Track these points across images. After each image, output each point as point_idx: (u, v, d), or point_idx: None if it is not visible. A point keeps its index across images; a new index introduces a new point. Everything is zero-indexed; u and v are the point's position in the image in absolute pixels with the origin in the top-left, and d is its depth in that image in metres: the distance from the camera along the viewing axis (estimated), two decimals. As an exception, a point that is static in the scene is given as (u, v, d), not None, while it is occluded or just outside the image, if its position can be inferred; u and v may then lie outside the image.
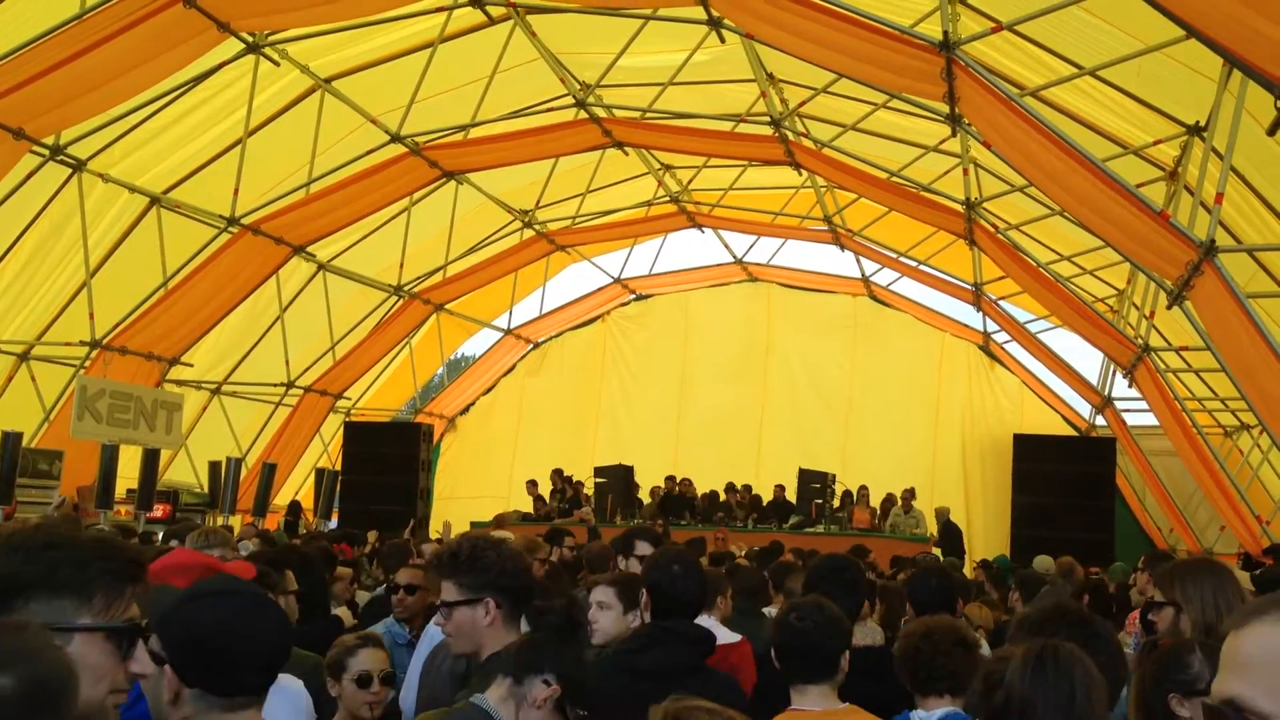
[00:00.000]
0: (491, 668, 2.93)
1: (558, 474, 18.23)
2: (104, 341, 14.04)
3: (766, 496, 18.03)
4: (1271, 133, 6.28)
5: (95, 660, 1.76)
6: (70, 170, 12.52)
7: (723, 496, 17.97)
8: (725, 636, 4.39)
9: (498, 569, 3.13)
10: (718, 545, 12.15)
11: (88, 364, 14.04)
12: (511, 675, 2.84)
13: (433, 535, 15.97)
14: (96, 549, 1.85)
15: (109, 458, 13.28)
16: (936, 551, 15.65)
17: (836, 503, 17.16)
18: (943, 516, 17.10)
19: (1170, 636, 3.21)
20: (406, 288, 18.15)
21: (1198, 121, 9.39)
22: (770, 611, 5.88)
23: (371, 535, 12.04)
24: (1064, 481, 16.58)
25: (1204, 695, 2.63)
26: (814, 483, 16.89)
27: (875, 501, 17.55)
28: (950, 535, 16.95)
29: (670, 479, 18.05)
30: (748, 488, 18.28)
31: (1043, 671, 2.33)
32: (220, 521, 14.90)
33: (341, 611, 5.74)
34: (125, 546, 1.91)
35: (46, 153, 12.01)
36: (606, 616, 4.02)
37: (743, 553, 9.90)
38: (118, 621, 1.81)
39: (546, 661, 2.85)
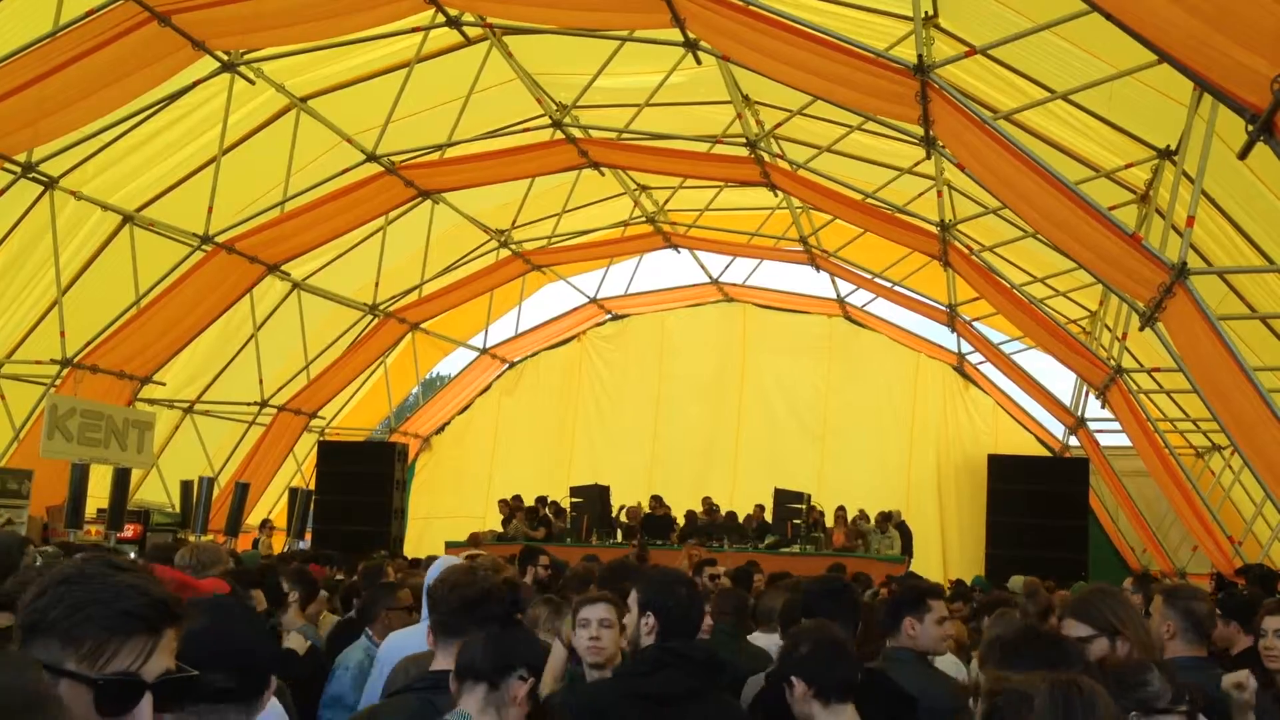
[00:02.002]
0: (458, 674, 2.89)
1: (539, 501, 18.13)
2: (75, 360, 13.91)
3: (741, 516, 17.98)
4: (1242, 156, 6.34)
5: (76, 711, 1.56)
6: (42, 188, 12.43)
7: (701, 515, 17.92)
8: None
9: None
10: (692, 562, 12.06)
11: (58, 382, 13.91)
12: (486, 680, 2.80)
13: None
14: (99, 593, 1.65)
15: (79, 477, 13.15)
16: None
17: (826, 527, 17.16)
18: (896, 519, 17.26)
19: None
20: (382, 307, 18.09)
21: (1169, 145, 9.48)
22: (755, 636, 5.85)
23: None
24: (1038, 502, 16.63)
25: (1164, 713, 2.65)
26: (790, 503, 16.89)
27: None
28: (903, 536, 17.15)
29: (655, 499, 17.98)
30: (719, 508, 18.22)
31: (1073, 713, 2.23)
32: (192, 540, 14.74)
33: (294, 640, 5.44)
34: (139, 594, 1.66)
35: (18, 170, 11.92)
36: (609, 635, 3.95)
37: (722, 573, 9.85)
38: (98, 672, 1.60)
39: (516, 656, 2.83)
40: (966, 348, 19.75)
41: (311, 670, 5.14)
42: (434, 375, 26.03)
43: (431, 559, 9.10)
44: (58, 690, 1.57)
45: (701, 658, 3.67)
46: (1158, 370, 13.04)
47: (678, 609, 3.71)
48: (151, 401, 15.84)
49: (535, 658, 2.91)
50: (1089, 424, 17.12)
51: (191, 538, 15.17)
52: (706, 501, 18.13)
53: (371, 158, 13.98)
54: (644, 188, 17.92)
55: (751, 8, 8.90)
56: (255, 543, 16.53)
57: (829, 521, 17.29)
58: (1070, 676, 2.28)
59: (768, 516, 17.40)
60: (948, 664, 4.95)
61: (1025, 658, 2.77)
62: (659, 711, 3.39)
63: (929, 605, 4.21)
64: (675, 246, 19.89)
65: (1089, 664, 2.86)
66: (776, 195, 15.88)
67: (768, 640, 5.53)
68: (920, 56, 8.37)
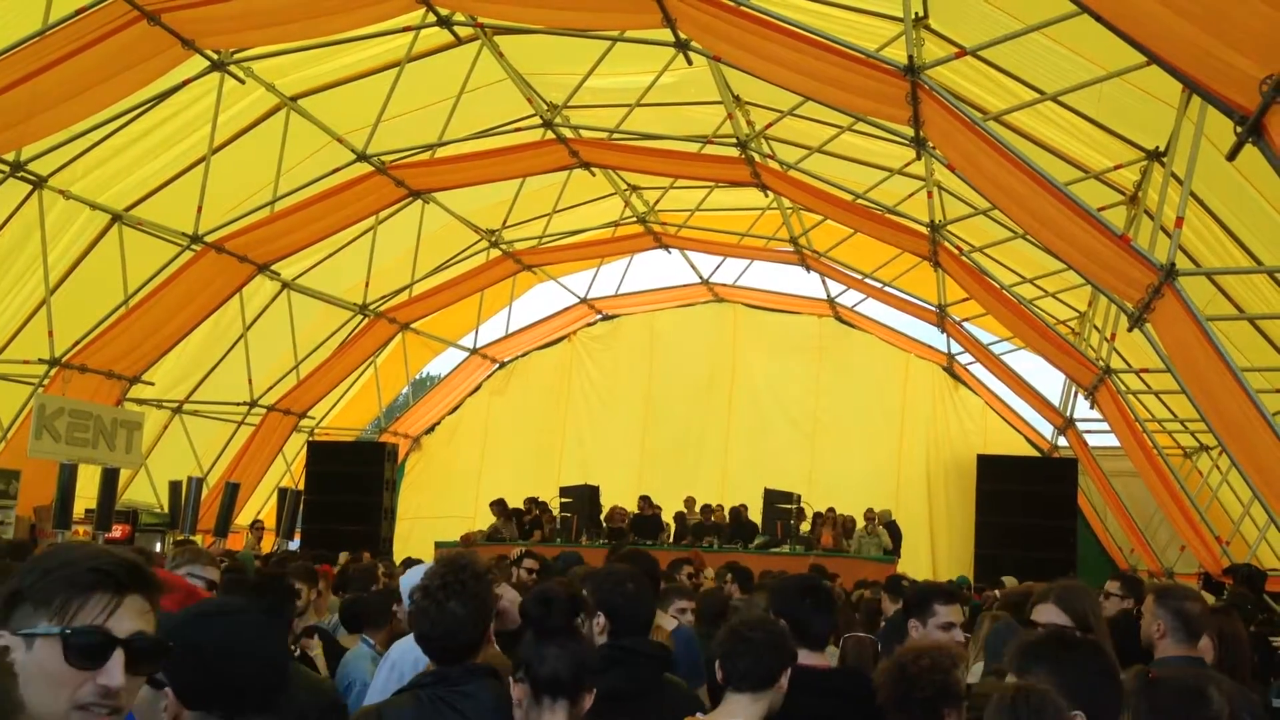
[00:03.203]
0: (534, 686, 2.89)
1: (530, 501, 18.13)
2: (63, 359, 13.86)
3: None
4: (1231, 158, 6.36)
5: (51, 668, 1.68)
6: (31, 186, 12.38)
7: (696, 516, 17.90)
8: None
9: None
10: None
11: (46, 382, 13.86)
12: (569, 697, 2.81)
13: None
14: (68, 556, 1.77)
15: (67, 477, 13.10)
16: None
17: (808, 525, 17.17)
18: (885, 519, 17.29)
19: None
20: (372, 307, 18.07)
21: (1157, 147, 9.53)
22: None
23: (343, 556, 11.85)
24: (1027, 502, 16.66)
25: None
26: (780, 503, 16.90)
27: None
28: (892, 536, 17.20)
29: (644, 500, 17.97)
30: (720, 506, 18.20)
31: (1015, 715, 2.29)
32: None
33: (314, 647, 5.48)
34: (105, 555, 1.79)
35: (7, 169, 11.88)
36: None
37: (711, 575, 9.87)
38: (69, 628, 1.70)
39: (590, 669, 2.88)
40: (956, 348, 19.78)
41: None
42: (424, 375, 25.98)
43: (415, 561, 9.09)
44: (25, 656, 1.67)
45: (650, 652, 3.70)
46: (1146, 371, 13.07)
47: (627, 607, 3.74)
48: (140, 401, 15.80)
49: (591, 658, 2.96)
50: (1078, 424, 17.16)
51: (180, 538, 15.15)
52: (689, 501, 18.14)
53: (362, 157, 13.96)
54: (635, 188, 17.93)
55: (742, 8, 8.91)
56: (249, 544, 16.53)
57: (807, 524, 17.28)
58: (1025, 685, 2.30)
59: (754, 516, 17.39)
60: None
61: (1050, 659, 2.76)
62: (614, 708, 3.42)
63: (934, 609, 4.20)
64: (666, 247, 19.90)
65: (1114, 662, 2.85)
66: (767, 196, 15.89)
67: None
68: (910, 57, 8.39)
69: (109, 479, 13.92)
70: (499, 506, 17.78)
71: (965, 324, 17.40)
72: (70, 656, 1.69)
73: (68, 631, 1.70)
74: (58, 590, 1.73)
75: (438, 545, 15.63)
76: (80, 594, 1.73)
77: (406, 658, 4.08)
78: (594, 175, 16.24)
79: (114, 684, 1.70)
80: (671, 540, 17.14)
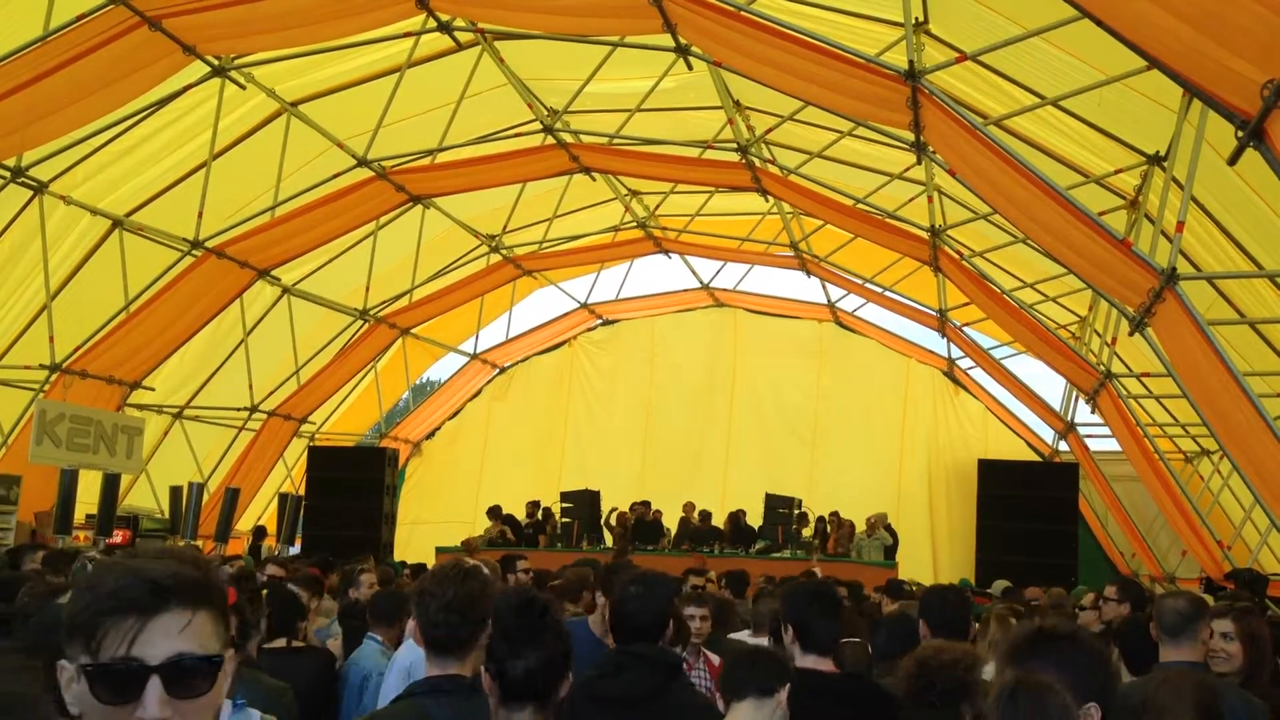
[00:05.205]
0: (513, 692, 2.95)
1: (533, 505, 18.13)
2: (64, 365, 13.86)
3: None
4: (1232, 162, 6.36)
5: (91, 703, 1.55)
6: (32, 192, 12.38)
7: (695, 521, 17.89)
8: None
9: None
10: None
11: (47, 387, 13.86)
12: (535, 701, 2.85)
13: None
14: (98, 578, 1.62)
15: (68, 482, 13.10)
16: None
17: (810, 530, 17.15)
18: (882, 522, 17.25)
19: None
20: (372, 312, 18.07)
21: (1158, 151, 9.53)
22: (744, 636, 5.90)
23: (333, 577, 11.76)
24: (1028, 506, 16.64)
25: None
26: (780, 507, 16.89)
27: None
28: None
29: (645, 504, 17.95)
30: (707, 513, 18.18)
31: (1014, 706, 2.32)
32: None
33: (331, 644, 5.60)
34: (131, 575, 1.62)
35: (8, 175, 11.87)
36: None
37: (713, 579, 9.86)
38: (91, 664, 1.56)
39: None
40: (957, 353, 19.77)
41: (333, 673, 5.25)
42: (424, 380, 26.02)
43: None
44: (79, 687, 1.57)
45: (656, 659, 3.68)
46: (1147, 375, 13.06)
47: (627, 610, 3.76)
48: (141, 407, 15.79)
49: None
50: (1079, 429, 17.15)
51: (180, 544, 15.13)
52: (688, 507, 18.12)
53: (362, 163, 13.96)
54: (635, 193, 17.94)
55: (743, 13, 8.92)
56: (258, 549, 16.51)
57: (813, 527, 17.28)
58: (1025, 676, 2.34)
59: (752, 521, 17.37)
60: None
61: (1041, 657, 2.78)
62: (622, 713, 3.42)
63: None
64: (666, 251, 19.92)
65: (1101, 650, 2.88)
66: (767, 200, 15.89)
67: (757, 643, 5.60)
68: (911, 62, 8.39)
69: (110, 484, 13.91)
70: (494, 513, 17.78)
71: (966, 329, 17.39)
72: (97, 693, 1.56)
73: (89, 668, 1.57)
74: (89, 618, 1.59)
75: (439, 550, 15.64)
76: (105, 621, 1.58)
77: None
78: (594, 180, 16.25)
79: (149, 716, 1.56)
80: (671, 545, 17.13)
